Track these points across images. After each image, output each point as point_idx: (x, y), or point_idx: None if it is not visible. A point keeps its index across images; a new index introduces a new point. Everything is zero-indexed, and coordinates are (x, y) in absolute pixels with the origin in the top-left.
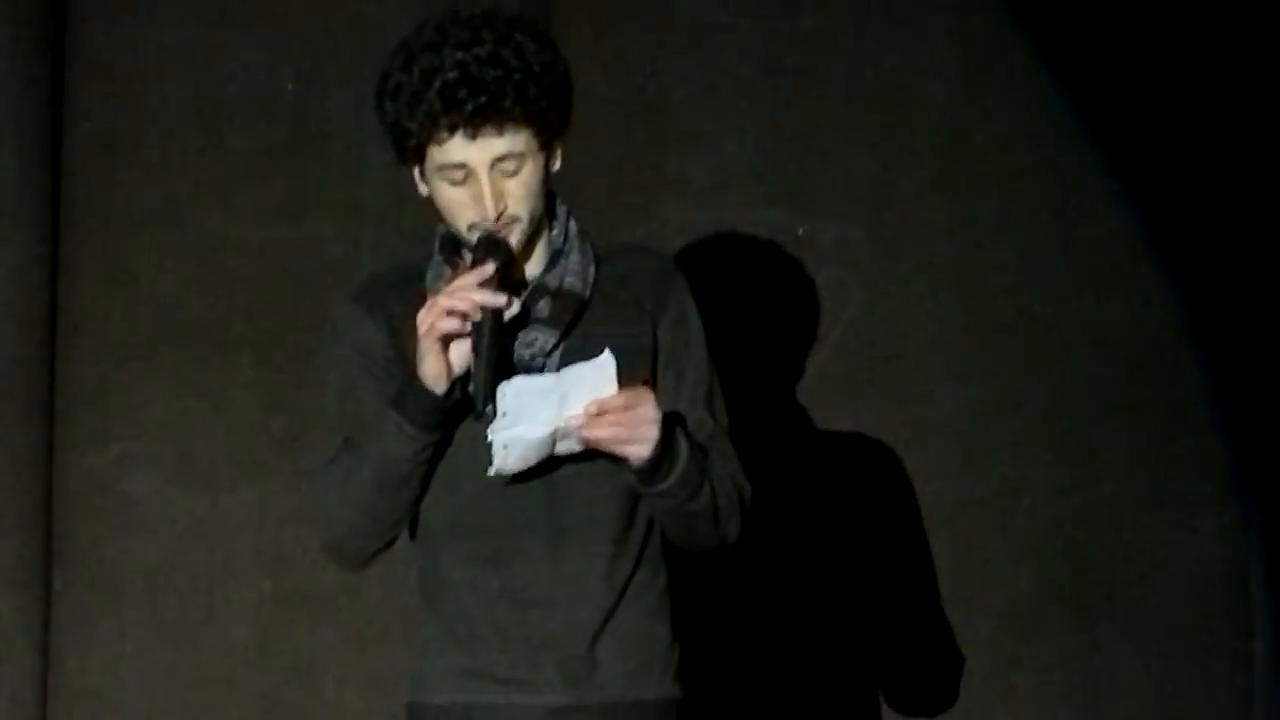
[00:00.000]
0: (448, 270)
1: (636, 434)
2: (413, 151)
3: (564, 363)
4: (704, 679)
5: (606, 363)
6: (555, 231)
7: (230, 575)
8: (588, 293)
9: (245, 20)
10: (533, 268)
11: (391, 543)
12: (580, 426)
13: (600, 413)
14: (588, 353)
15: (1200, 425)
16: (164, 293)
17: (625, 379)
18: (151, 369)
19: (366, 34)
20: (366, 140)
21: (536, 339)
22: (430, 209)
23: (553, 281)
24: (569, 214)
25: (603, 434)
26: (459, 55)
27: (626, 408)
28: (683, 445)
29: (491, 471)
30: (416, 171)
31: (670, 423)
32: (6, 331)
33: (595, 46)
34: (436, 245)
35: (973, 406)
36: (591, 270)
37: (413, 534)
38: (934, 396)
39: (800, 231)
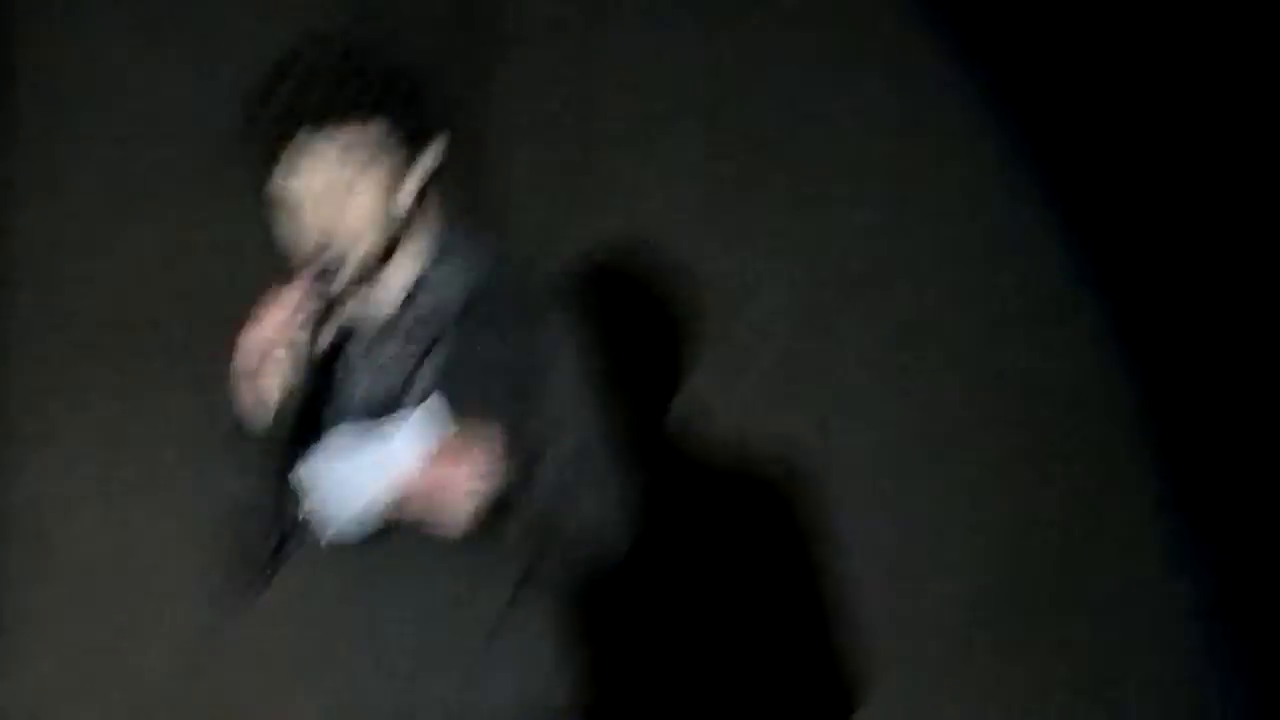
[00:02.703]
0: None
1: (446, 515)
2: None
3: (433, 380)
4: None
5: (432, 410)
6: (425, 238)
7: (169, 580)
8: (458, 308)
9: (189, 27)
10: (401, 275)
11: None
12: (391, 501)
13: (405, 497)
14: (456, 374)
15: (1142, 457)
16: (103, 294)
17: (468, 398)
18: (90, 370)
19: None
20: None
21: (399, 352)
22: None
23: (420, 292)
24: (443, 223)
25: (415, 511)
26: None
27: (434, 484)
28: (524, 503)
29: (324, 543)
30: None
31: (509, 474)
32: None
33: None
34: None
35: (906, 434)
36: (462, 280)
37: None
38: (869, 421)
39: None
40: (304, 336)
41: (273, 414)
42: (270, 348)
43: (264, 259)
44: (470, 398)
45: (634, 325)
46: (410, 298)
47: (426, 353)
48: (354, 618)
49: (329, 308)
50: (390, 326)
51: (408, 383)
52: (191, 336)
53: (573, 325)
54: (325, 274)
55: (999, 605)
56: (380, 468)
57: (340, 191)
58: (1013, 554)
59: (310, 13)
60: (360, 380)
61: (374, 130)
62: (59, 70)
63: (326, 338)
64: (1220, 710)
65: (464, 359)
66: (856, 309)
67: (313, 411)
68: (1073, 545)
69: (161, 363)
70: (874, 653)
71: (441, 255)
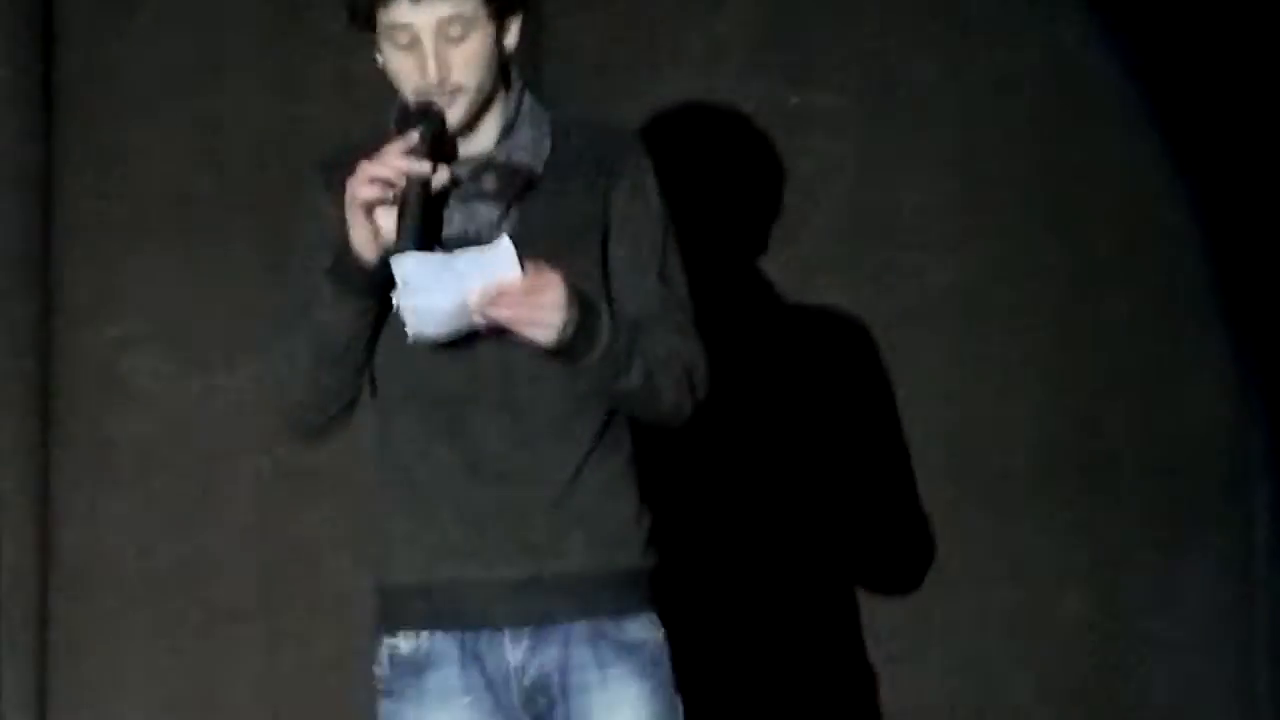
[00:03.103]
0: (395, 137)
1: (537, 317)
2: (364, 16)
3: (514, 235)
4: (682, 549)
5: (505, 247)
6: (508, 105)
7: (228, 454)
8: (539, 168)
9: None
10: (483, 142)
11: (345, 411)
12: (480, 306)
13: (500, 294)
14: (537, 228)
15: (1201, 291)
16: (160, 172)
17: (541, 261)
18: (147, 248)
19: None
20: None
21: (481, 212)
22: (386, 77)
23: (500, 155)
24: (523, 88)
25: (503, 315)
26: None
27: (526, 291)
28: (603, 326)
29: (410, 338)
30: (374, 39)
31: (589, 300)
32: (2, 210)
33: None
34: (393, 114)
35: (970, 278)
36: (546, 144)
37: (374, 392)
38: (929, 268)
39: (793, 101)
40: (424, 170)
41: (382, 247)
42: (388, 181)
43: (317, 137)
44: (539, 255)
45: (700, 194)
46: (495, 155)
47: (510, 205)
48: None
49: (443, 144)
50: (480, 173)
51: (492, 231)
52: (251, 211)
53: (644, 186)
54: (433, 110)
55: (1064, 465)
56: (477, 273)
57: (459, 27)
58: (1075, 417)
59: None
60: (451, 219)
61: None
62: None
63: (443, 175)
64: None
65: (541, 216)
66: (915, 165)
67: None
68: (1135, 407)
69: (221, 240)
70: (938, 518)
71: (524, 118)
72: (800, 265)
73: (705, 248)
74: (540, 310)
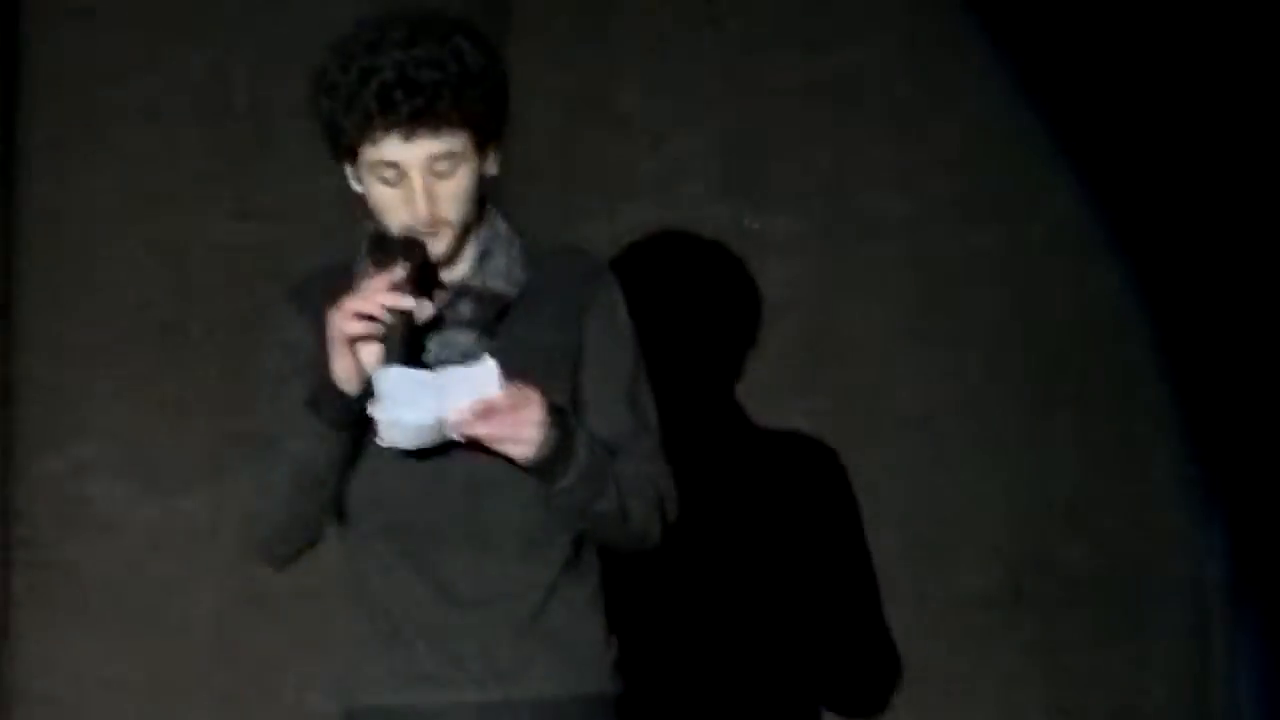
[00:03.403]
0: (372, 268)
1: (516, 434)
2: (346, 149)
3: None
4: (648, 676)
5: (489, 367)
6: (484, 232)
7: (190, 578)
8: (513, 293)
9: (196, 21)
10: (459, 269)
11: (314, 541)
12: (460, 423)
13: (481, 411)
14: (511, 354)
15: (1164, 420)
16: (121, 294)
17: (517, 380)
18: (108, 371)
19: (319, 32)
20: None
21: (457, 340)
22: (361, 206)
23: (476, 282)
24: (499, 215)
25: (480, 431)
26: (396, 55)
27: (507, 408)
28: (580, 446)
29: (383, 444)
30: (349, 168)
31: (567, 422)
32: None
33: (549, 43)
34: (365, 243)
35: (929, 401)
36: (519, 271)
37: (340, 519)
38: (887, 391)
39: (752, 225)
40: (409, 305)
41: (364, 380)
42: (372, 317)
43: (279, 259)
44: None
45: (659, 318)
46: (471, 282)
47: (484, 331)
48: (385, 596)
49: (426, 276)
50: (455, 300)
51: (466, 359)
52: (212, 334)
53: (614, 316)
54: (418, 244)
55: (1026, 591)
56: (459, 391)
57: (448, 164)
58: (1036, 543)
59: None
60: (427, 346)
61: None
62: (67, 63)
63: (427, 308)
64: (1241, 660)
65: (516, 343)
66: (873, 288)
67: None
68: (1096, 535)
69: (183, 363)
70: (900, 640)
71: (498, 246)
72: (760, 388)
73: (664, 371)
74: (520, 427)
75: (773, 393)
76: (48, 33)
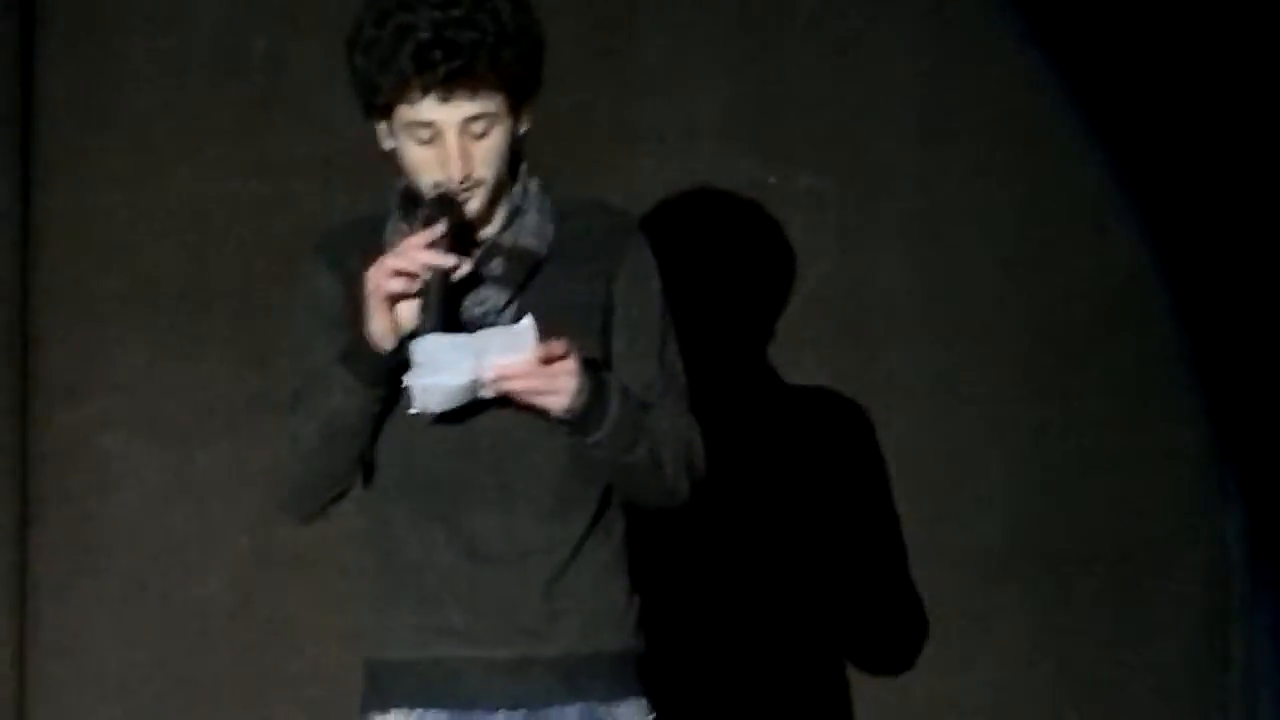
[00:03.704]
0: (404, 225)
1: (552, 385)
2: (380, 107)
3: (518, 321)
4: (668, 634)
5: (525, 328)
6: (515, 190)
7: (206, 532)
8: (544, 251)
9: None
10: (490, 226)
11: (341, 495)
12: (494, 379)
13: (517, 367)
14: (541, 311)
15: (1176, 375)
16: (136, 249)
17: (549, 337)
18: (125, 326)
19: None
20: (339, 95)
21: (488, 297)
22: (393, 162)
23: (507, 240)
24: (529, 172)
25: (520, 385)
26: (434, 15)
27: (542, 362)
28: (614, 397)
29: (413, 411)
30: (382, 125)
31: (599, 375)
32: None
33: None
34: (395, 199)
35: (946, 356)
36: (550, 229)
37: (366, 481)
38: (907, 346)
39: (771, 180)
40: (448, 262)
41: (399, 336)
42: (411, 274)
43: (295, 214)
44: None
45: (678, 273)
46: (503, 240)
47: (517, 289)
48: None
49: (462, 235)
50: (487, 257)
51: (498, 315)
52: (228, 289)
53: (644, 273)
54: (456, 202)
55: (1035, 545)
56: (495, 352)
57: (483, 124)
58: (1047, 497)
59: None
60: (463, 305)
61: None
62: (82, 24)
63: (465, 266)
64: (1259, 649)
65: (546, 299)
66: (893, 243)
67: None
68: (1106, 489)
69: (199, 317)
70: (912, 594)
71: (530, 203)
72: (780, 343)
73: (684, 328)
74: (554, 379)
75: (793, 348)
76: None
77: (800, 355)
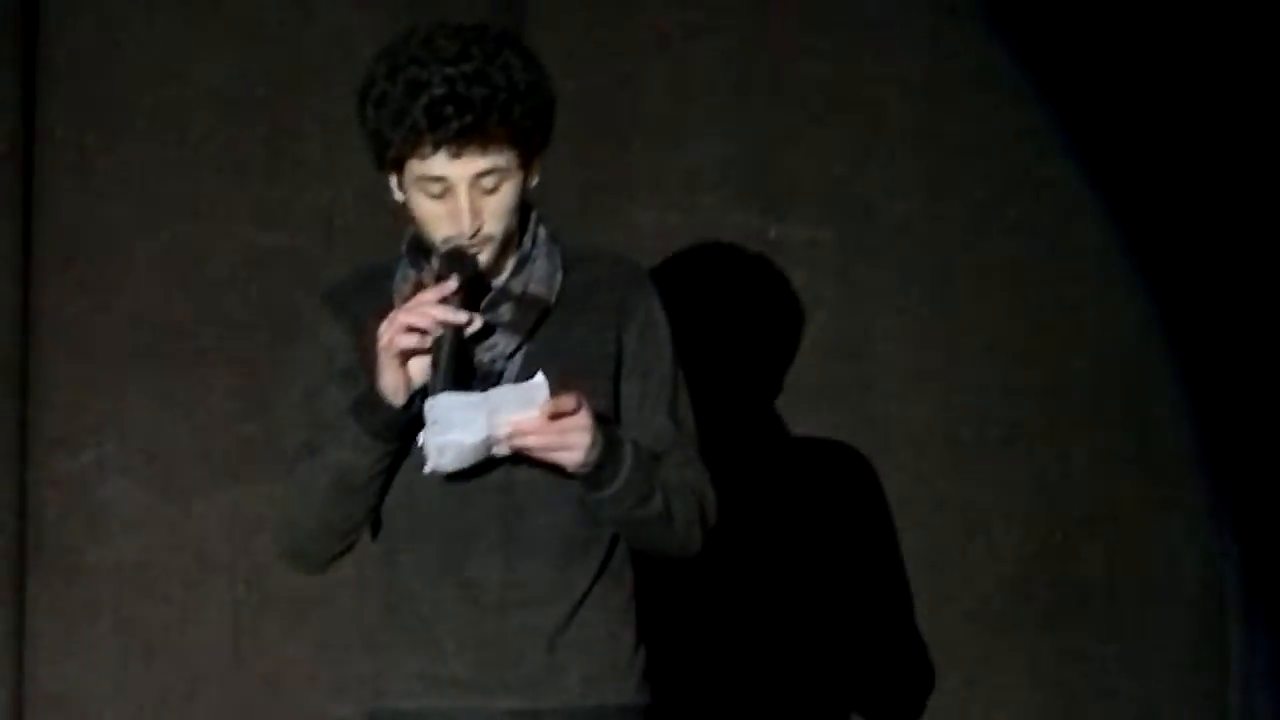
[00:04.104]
0: (413, 274)
1: (566, 441)
2: (391, 161)
3: (525, 367)
4: (674, 685)
5: (538, 384)
6: (524, 238)
7: (204, 580)
8: (552, 298)
9: (216, 26)
10: (499, 273)
11: (349, 548)
12: (508, 436)
13: (531, 423)
14: (549, 358)
15: (1174, 428)
16: (137, 298)
17: (560, 387)
18: (125, 374)
19: (338, 40)
20: (340, 146)
21: (496, 343)
22: (403, 214)
23: (516, 287)
24: (538, 220)
25: (534, 442)
26: (446, 71)
27: (555, 415)
28: (627, 451)
29: (427, 469)
30: (393, 178)
31: (611, 429)
32: None
33: (568, 47)
34: (403, 248)
35: (945, 409)
36: (558, 276)
37: (375, 534)
38: (906, 399)
39: (771, 234)
40: (460, 319)
41: (410, 391)
42: (420, 329)
43: (295, 265)
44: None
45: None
46: (512, 286)
47: (525, 336)
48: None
49: (474, 289)
50: (495, 304)
51: (506, 362)
52: (227, 338)
53: (653, 322)
54: (468, 257)
55: (1036, 597)
56: (509, 409)
57: (494, 179)
58: (1047, 550)
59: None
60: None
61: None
62: (85, 69)
63: (477, 321)
64: (1257, 696)
65: (555, 348)
66: (891, 298)
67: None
68: (1106, 542)
69: (198, 366)
70: (913, 646)
71: (539, 251)
72: (780, 395)
73: (685, 377)
74: (567, 435)
75: (793, 400)
76: (66, 41)
77: (800, 405)
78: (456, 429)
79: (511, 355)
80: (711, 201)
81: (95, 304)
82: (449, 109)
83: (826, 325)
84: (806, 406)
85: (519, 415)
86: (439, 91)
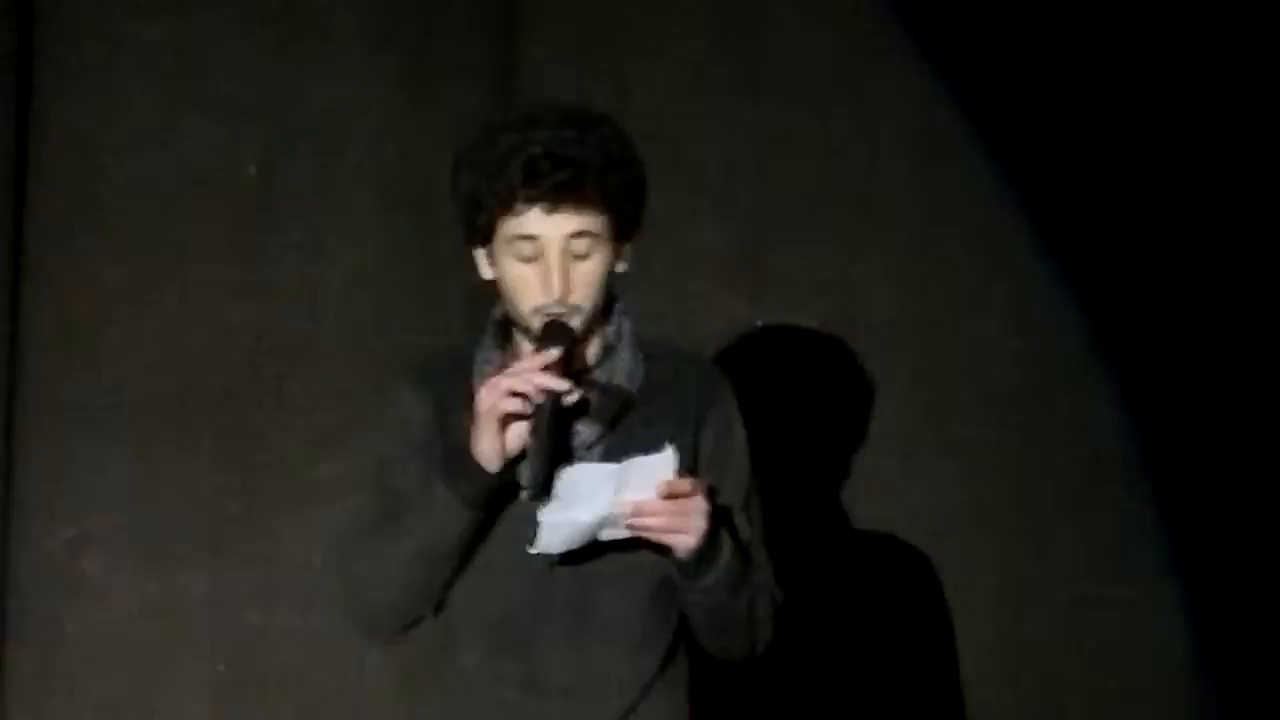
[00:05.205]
0: (496, 354)
1: (686, 524)
2: (483, 226)
3: (606, 458)
4: None
5: (668, 458)
6: (609, 328)
7: (184, 656)
8: (635, 391)
9: (208, 99)
10: (583, 362)
11: (421, 619)
12: (631, 514)
13: (651, 503)
14: (630, 450)
15: (1153, 524)
16: (122, 370)
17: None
18: (108, 447)
19: (328, 115)
20: (327, 221)
21: (580, 431)
22: (493, 290)
23: (603, 376)
24: (623, 312)
25: (654, 523)
26: (544, 134)
27: (681, 496)
28: (726, 542)
29: (534, 550)
30: (481, 252)
31: (717, 519)
32: None
33: None
34: (489, 328)
35: (926, 505)
36: (640, 370)
37: (436, 612)
38: (891, 492)
39: (758, 323)
40: (562, 386)
41: (504, 461)
42: (522, 394)
43: (281, 339)
44: None
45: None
46: (597, 376)
47: (609, 427)
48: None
49: (570, 362)
50: (581, 393)
51: (585, 454)
52: (212, 412)
53: (731, 423)
54: (566, 328)
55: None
56: (632, 484)
57: (586, 244)
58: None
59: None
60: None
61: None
62: (75, 142)
63: (575, 393)
64: None
65: (636, 440)
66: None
67: (547, 463)
68: (1087, 639)
69: (182, 440)
70: None
71: (624, 342)
72: (768, 480)
73: None
74: (687, 517)
75: (779, 487)
76: (56, 106)
77: (786, 491)
78: (578, 505)
79: (592, 446)
80: (698, 288)
81: (80, 377)
82: (546, 165)
83: (815, 410)
84: (792, 490)
85: (639, 495)
86: (535, 150)
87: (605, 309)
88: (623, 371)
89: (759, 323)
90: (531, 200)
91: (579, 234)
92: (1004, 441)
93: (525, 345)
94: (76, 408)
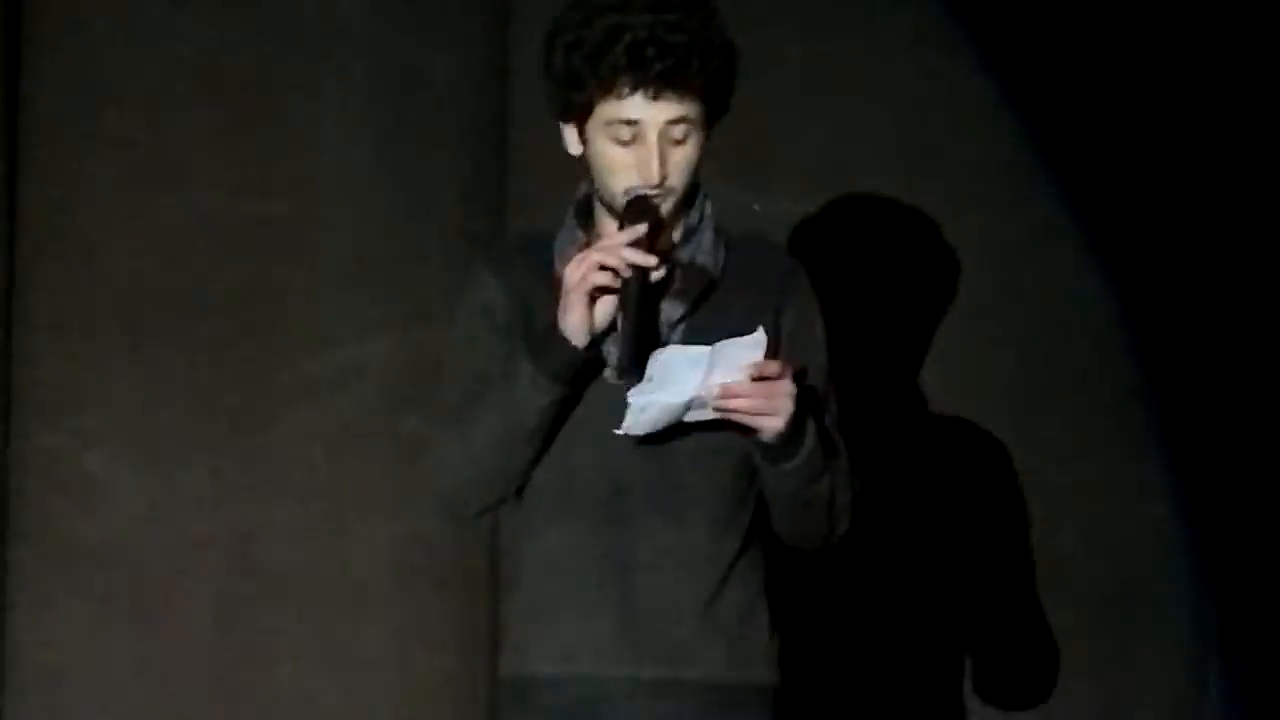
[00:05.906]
0: (580, 235)
1: (774, 406)
2: (579, 105)
3: (687, 338)
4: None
5: (759, 339)
6: (691, 210)
7: (186, 552)
8: (717, 272)
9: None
10: (667, 242)
11: (503, 500)
12: (719, 396)
13: (741, 385)
14: (711, 330)
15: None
16: (120, 269)
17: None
18: (106, 345)
19: (322, 9)
20: (321, 116)
21: (664, 309)
22: (580, 166)
23: (684, 256)
24: (705, 196)
25: (743, 404)
26: (646, 17)
27: (770, 379)
28: (811, 427)
29: (620, 430)
30: (571, 128)
31: (802, 403)
32: None
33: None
34: (571, 210)
35: (926, 388)
36: (721, 252)
37: (518, 494)
38: (892, 376)
39: (755, 207)
40: (650, 261)
41: (591, 336)
42: (611, 268)
43: (276, 235)
44: None
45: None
46: (680, 253)
47: (691, 306)
48: None
49: (656, 239)
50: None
51: (668, 332)
52: (210, 309)
53: (810, 312)
54: (652, 206)
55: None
56: (721, 367)
57: (683, 129)
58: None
59: None
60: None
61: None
62: (69, 42)
63: (661, 270)
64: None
65: (717, 322)
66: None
67: (636, 339)
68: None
69: (180, 337)
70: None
71: (705, 225)
72: None
73: None
74: (775, 399)
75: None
76: (51, 13)
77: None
78: (668, 386)
79: (675, 325)
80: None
81: (78, 277)
82: (651, 50)
83: None
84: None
85: (727, 377)
86: (641, 34)
87: (689, 192)
88: (705, 251)
89: (756, 208)
90: (635, 86)
91: (678, 120)
92: None
93: (609, 225)
94: (73, 308)
